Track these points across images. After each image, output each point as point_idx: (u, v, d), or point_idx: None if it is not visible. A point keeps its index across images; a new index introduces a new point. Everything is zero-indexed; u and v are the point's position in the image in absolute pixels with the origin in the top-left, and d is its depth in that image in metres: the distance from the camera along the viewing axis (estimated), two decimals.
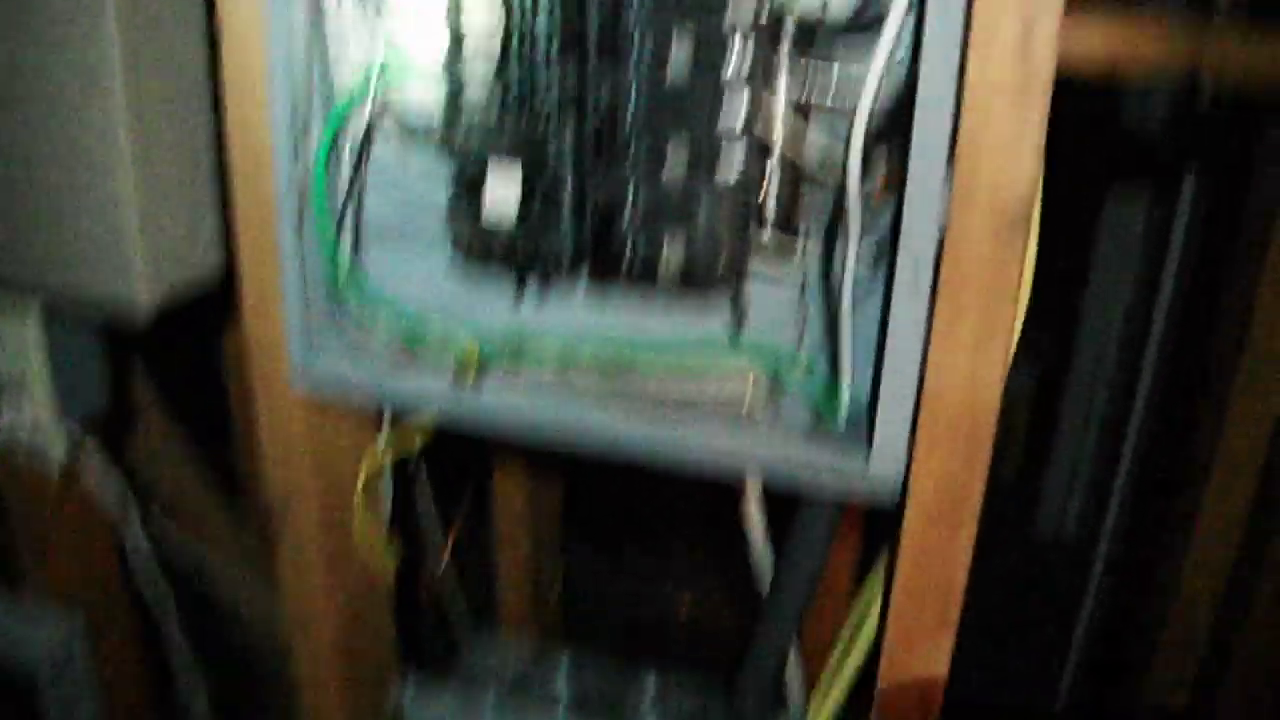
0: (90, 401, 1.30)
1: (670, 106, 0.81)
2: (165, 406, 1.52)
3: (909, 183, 0.77)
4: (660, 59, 0.80)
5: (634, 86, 0.82)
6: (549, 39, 0.82)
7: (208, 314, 1.19)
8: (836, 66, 0.84)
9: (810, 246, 0.91)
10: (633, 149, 0.83)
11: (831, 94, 0.86)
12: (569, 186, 0.86)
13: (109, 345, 1.30)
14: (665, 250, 0.85)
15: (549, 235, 0.87)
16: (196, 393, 1.58)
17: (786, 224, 0.90)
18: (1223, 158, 1.58)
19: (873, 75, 0.78)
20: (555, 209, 0.86)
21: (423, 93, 0.95)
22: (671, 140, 0.82)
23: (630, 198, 0.84)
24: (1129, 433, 1.87)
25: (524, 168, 0.86)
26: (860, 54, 0.83)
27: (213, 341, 1.50)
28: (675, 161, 0.83)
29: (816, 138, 0.87)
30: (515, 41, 0.83)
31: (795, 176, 0.88)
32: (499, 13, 0.83)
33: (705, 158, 0.82)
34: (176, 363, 1.46)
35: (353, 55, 0.97)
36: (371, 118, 0.99)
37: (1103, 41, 1.07)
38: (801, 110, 0.87)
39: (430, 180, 0.99)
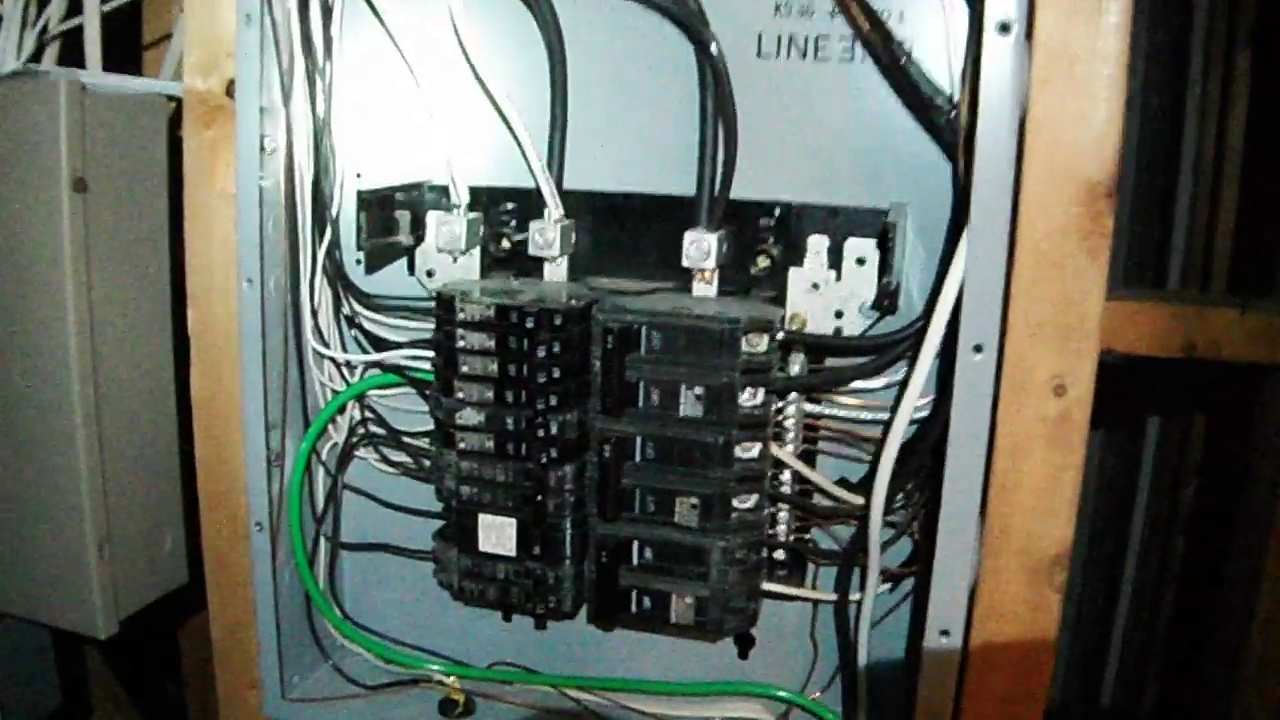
0: (41, 703, 1.20)
1: (678, 455, 0.77)
2: (122, 700, 1.41)
3: (938, 541, 0.73)
4: (668, 408, 0.76)
5: (640, 435, 0.77)
6: (546, 388, 0.77)
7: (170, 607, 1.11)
8: (848, 408, 0.81)
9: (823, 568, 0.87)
10: (639, 497, 0.78)
11: (847, 428, 0.82)
12: (569, 536, 0.80)
13: (63, 643, 1.21)
14: (674, 598, 0.79)
15: (546, 583, 0.81)
16: (155, 685, 1.47)
17: (798, 560, 0.85)
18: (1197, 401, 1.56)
19: (897, 427, 0.74)
20: (554, 558, 0.81)
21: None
22: (680, 488, 0.77)
23: (637, 545, 0.79)
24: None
25: (520, 518, 0.80)
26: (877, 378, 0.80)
27: (173, 631, 1.41)
28: (684, 510, 0.78)
29: (829, 475, 0.83)
30: (509, 389, 0.78)
31: (808, 513, 0.84)
32: (493, 358, 0.78)
33: (716, 505, 0.77)
34: (135, 650, 1.36)
35: (331, 372, 0.92)
36: (351, 434, 0.93)
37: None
38: (812, 446, 0.84)
39: (413, 495, 0.94)
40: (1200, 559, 1.59)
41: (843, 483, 0.83)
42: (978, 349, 0.69)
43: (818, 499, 0.84)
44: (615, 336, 0.75)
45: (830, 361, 0.82)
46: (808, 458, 0.83)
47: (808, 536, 0.85)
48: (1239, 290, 1.41)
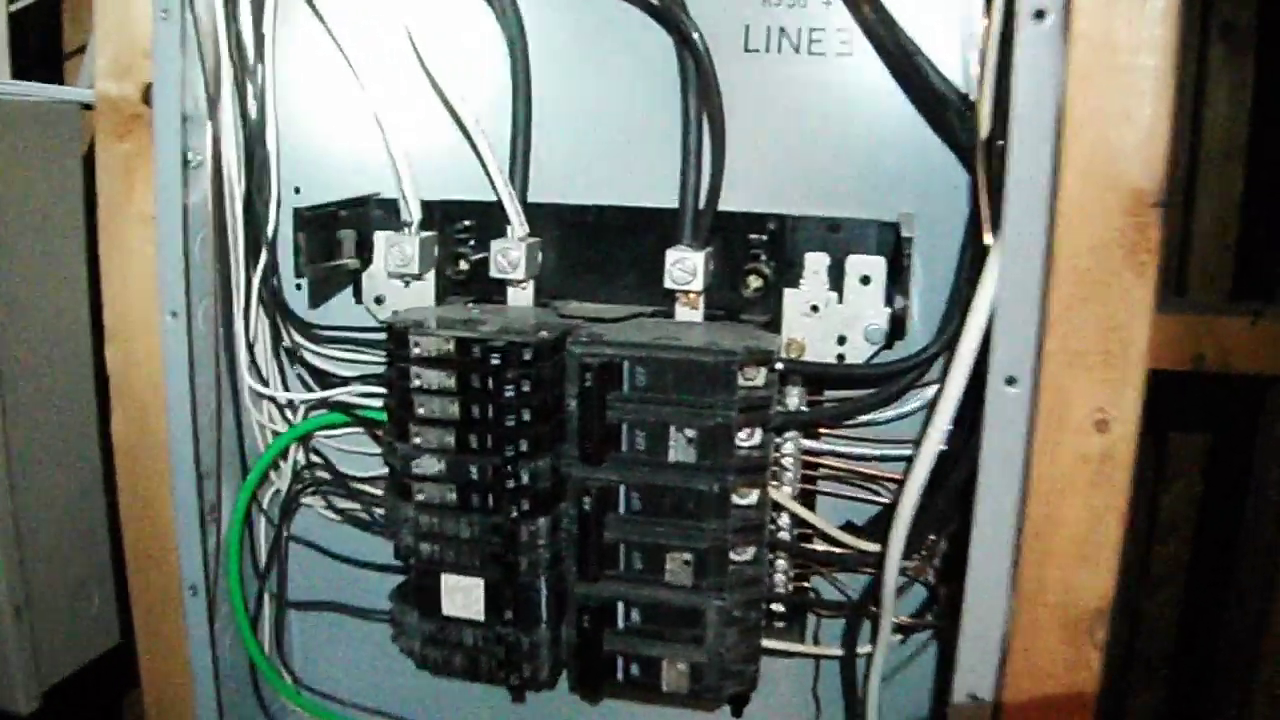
0: None
1: (668, 505, 0.68)
2: None
3: (966, 595, 0.64)
4: (655, 452, 0.67)
5: (623, 484, 0.68)
6: (515, 432, 0.68)
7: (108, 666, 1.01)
8: (851, 444, 0.73)
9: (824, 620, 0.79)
10: (624, 553, 0.69)
11: (851, 466, 0.74)
12: (544, 597, 0.71)
13: None
14: (666, 664, 0.70)
15: (520, 650, 0.72)
16: None
17: (797, 611, 0.77)
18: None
19: (919, 469, 0.65)
20: (528, 622, 0.71)
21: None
22: (670, 542, 0.68)
23: (622, 607, 0.70)
24: None
25: (488, 578, 0.71)
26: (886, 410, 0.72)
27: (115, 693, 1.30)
28: (675, 566, 0.69)
29: (829, 516, 0.74)
30: (473, 434, 0.69)
31: (809, 561, 0.75)
32: (453, 399, 0.69)
33: (711, 559, 0.68)
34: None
35: (271, 412, 0.82)
36: (295, 481, 0.84)
37: None
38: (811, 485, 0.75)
39: (367, 545, 0.85)
40: (1195, 566, 1.53)
41: (848, 527, 0.74)
42: (1010, 381, 0.60)
43: (819, 544, 0.75)
44: (594, 373, 0.66)
45: (831, 393, 0.74)
46: (806, 499, 0.75)
47: (808, 585, 0.77)
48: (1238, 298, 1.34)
